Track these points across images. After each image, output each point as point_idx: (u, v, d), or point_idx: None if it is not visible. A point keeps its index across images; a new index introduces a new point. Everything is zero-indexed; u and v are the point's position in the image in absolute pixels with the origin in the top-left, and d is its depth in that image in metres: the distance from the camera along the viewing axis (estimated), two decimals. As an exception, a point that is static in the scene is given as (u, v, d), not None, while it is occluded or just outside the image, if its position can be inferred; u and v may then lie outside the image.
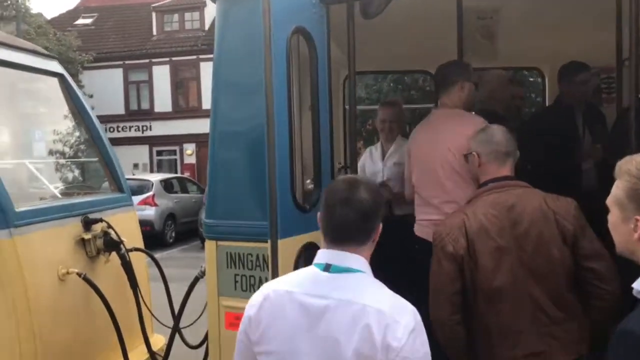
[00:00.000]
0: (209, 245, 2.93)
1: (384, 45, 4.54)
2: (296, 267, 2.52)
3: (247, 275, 2.81)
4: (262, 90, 2.44)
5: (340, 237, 1.65)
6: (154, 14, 26.29)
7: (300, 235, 2.58)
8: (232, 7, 2.78)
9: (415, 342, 1.54)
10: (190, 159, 25.30)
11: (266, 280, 2.74)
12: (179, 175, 19.74)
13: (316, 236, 2.71)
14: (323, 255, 1.68)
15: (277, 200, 2.37)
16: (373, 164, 3.97)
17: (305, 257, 2.58)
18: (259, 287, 2.82)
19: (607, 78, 4.78)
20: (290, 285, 1.69)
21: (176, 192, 16.28)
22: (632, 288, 1.48)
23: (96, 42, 25.36)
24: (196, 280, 3.65)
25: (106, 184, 4.32)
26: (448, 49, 4.98)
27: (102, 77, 24.31)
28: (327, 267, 1.65)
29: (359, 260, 1.65)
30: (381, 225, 1.70)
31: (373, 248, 1.72)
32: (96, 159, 4.36)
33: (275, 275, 2.40)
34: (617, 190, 1.53)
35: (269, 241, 2.43)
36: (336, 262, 1.64)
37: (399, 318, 1.55)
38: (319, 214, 1.72)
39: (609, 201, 1.56)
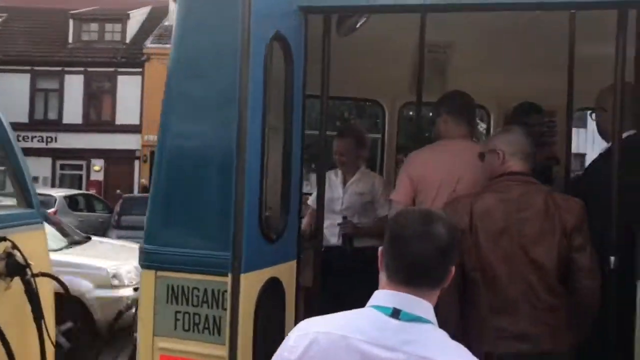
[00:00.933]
0: (146, 275, 2.51)
1: (335, 70, 4.35)
2: (258, 306, 2.17)
3: (191, 313, 2.41)
4: (227, 104, 2.14)
5: (415, 277, 1.43)
6: (71, 21, 24.97)
7: (265, 269, 2.24)
8: (199, 4, 2.45)
9: None
10: (97, 176, 23.94)
11: (214, 319, 2.39)
12: (85, 192, 18.42)
13: (280, 270, 2.40)
14: (389, 297, 1.43)
15: (243, 227, 2.03)
16: (331, 189, 3.70)
17: (267, 295, 2.23)
18: (204, 327, 2.50)
19: (549, 122, 4.88)
20: (346, 330, 1.41)
21: (81, 210, 15.13)
22: None
23: (2, 44, 23.57)
24: (120, 315, 3.19)
25: (11, 199, 3.77)
26: (400, 80, 4.90)
27: (6, 82, 22.53)
28: (395, 313, 1.40)
29: (429, 310, 1.43)
30: (454, 269, 1.49)
31: (437, 295, 1.49)
32: (3, 168, 3.81)
33: (235, 316, 2.04)
34: None
35: (229, 275, 2.07)
36: (407, 308, 1.40)
37: None
38: (380, 249, 1.50)
39: None
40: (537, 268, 2.41)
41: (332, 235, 3.62)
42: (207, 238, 2.37)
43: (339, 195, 3.72)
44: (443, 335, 1.43)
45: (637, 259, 2.30)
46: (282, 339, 2.42)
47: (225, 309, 2.32)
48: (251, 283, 2.14)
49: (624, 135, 2.45)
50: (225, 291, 2.32)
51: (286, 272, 2.40)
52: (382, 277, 1.48)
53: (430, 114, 5.25)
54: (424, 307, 1.42)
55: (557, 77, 3.42)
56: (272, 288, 2.28)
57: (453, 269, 1.49)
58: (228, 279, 2.13)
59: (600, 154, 2.87)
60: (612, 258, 2.39)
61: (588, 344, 2.51)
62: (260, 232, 2.21)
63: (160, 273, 2.46)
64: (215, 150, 2.38)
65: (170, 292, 2.44)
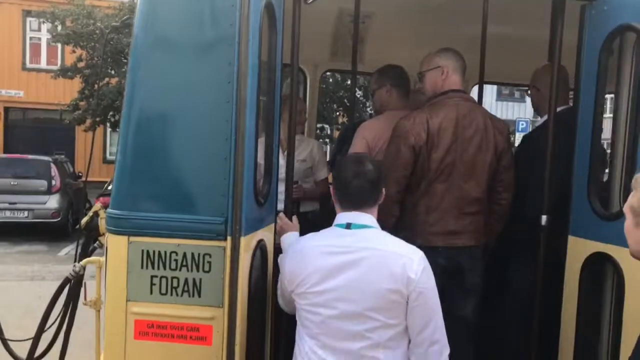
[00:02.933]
0: (116, 240, 2.43)
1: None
2: (251, 268, 2.23)
3: (169, 277, 2.40)
4: (215, 52, 2.21)
5: (357, 203, 2.08)
6: None
7: (256, 232, 2.29)
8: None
9: (427, 276, 1.98)
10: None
11: (194, 282, 2.41)
12: None
13: (265, 233, 2.46)
14: (343, 217, 2.10)
15: (244, 191, 2.07)
16: None
17: (257, 257, 2.30)
18: (183, 290, 2.49)
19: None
20: (319, 241, 2.06)
21: None
22: None
23: None
24: (66, 282, 3.04)
25: None
26: (322, 48, 5.00)
27: None
28: (348, 226, 2.05)
29: (371, 219, 2.09)
30: (384, 191, 2.15)
31: (377, 208, 2.14)
32: None
33: (234, 279, 2.10)
34: (633, 199, 1.66)
35: (228, 239, 2.11)
36: (355, 221, 2.06)
37: (413, 257, 1.99)
38: (331, 187, 2.16)
39: (625, 208, 1.68)
40: (471, 178, 2.80)
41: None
42: (188, 201, 2.35)
43: (281, 163, 3.77)
44: (384, 233, 2.09)
45: (570, 216, 2.69)
46: (265, 297, 2.52)
47: (207, 272, 2.37)
48: (247, 246, 2.20)
49: (558, 109, 2.81)
50: (207, 254, 2.36)
51: (269, 234, 2.48)
52: (337, 207, 2.12)
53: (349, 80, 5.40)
54: (367, 218, 2.07)
55: (468, 52, 3.75)
56: (261, 250, 2.35)
57: (384, 190, 2.14)
58: (220, 243, 2.19)
59: (537, 127, 3.26)
60: (544, 217, 2.78)
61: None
62: (255, 196, 2.25)
63: (133, 238, 2.40)
64: (198, 103, 2.29)
65: (146, 257, 2.40)
